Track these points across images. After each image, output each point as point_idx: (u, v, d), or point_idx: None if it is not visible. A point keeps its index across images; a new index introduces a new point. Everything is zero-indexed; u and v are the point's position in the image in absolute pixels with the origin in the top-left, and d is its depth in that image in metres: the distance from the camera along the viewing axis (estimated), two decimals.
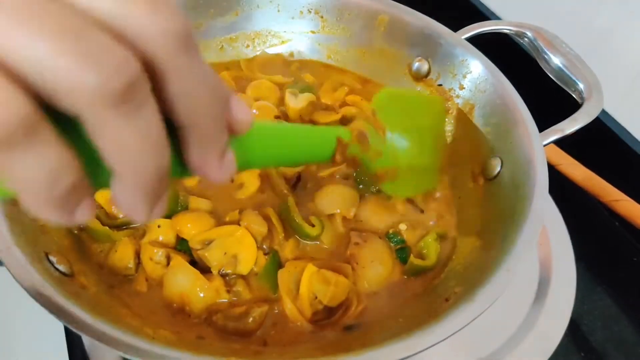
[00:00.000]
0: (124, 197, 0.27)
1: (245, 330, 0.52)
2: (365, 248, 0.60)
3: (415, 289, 0.59)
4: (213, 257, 0.55)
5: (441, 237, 0.63)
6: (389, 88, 0.67)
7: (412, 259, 0.59)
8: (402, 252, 0.61)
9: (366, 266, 0.58)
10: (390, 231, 0.63)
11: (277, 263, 0.57)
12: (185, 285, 0.53)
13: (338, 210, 0.63)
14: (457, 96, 0.72)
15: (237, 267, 0.55)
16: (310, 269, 0.55)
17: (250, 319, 0.52)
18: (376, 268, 0.59)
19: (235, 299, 0.55)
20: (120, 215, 0.59)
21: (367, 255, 0.59)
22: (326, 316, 0.55)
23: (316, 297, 0.54)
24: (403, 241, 0.62)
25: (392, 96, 0.60)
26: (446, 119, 0.72)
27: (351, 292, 0.56)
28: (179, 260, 0.55)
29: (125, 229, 0.58)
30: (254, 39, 0.81)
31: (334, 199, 0.64)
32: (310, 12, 0.80)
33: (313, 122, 0.72)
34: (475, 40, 0.73)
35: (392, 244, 0.62)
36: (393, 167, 0.57)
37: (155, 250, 0.56)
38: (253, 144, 0.37)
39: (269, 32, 0.81)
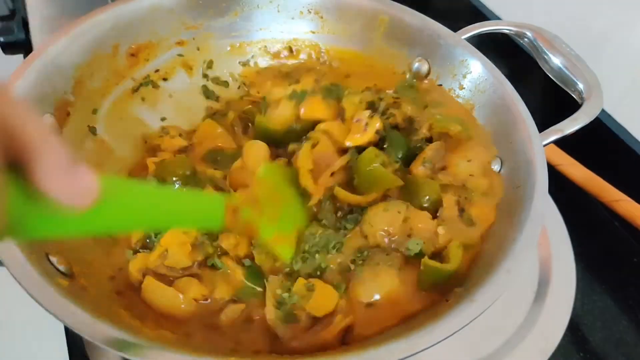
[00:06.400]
0: None
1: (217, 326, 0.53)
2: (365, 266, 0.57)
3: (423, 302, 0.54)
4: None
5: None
6: (271, 163, 0.65)
7: (428, 261, 0.54)
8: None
9: (365, 282, 0.56)
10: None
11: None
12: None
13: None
14: (457, 96, 0.72)
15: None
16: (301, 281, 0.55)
17: (224, 316, 0.54)
18: (375, 282, 0.56)
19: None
20: None
21: (366, 273, 0.56)
22: (309, 326, 0.54)
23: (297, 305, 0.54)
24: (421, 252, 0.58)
25: (274, 168, 0.62)
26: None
27: (339, 304, 0.54)
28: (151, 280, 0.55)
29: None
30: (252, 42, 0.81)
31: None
32: (310, 12, 0.80)
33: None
34: (475, 40, 0.73)
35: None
36: (288, 232, 0.57)
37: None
38: (112, 207, 0.37)
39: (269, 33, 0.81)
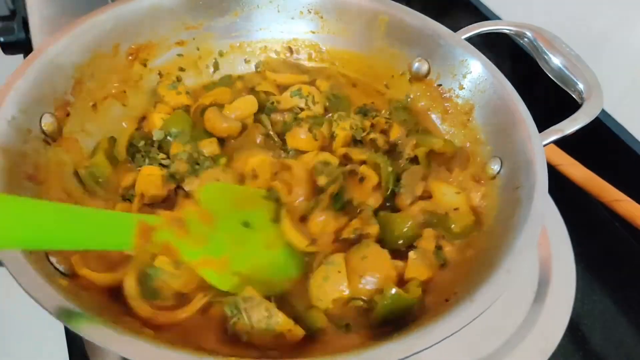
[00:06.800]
0: None
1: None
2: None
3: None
4: None
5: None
6: (221, 183, 0.63)
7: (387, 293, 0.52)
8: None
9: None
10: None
11: None
12: None
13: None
14: (457, 96, 0.72)
15: None
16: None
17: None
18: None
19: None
20: None
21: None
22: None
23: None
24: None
25: (222, 189, 0.61)
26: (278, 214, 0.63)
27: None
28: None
29: None
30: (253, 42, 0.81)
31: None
32: (310, 12, 0.80)
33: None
34: (475, 40, 0.73)
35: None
36: (223, 257, 0.54)
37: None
38: None
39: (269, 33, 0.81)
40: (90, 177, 0.63)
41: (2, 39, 0.91)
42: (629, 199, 0.77)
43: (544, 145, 0.60)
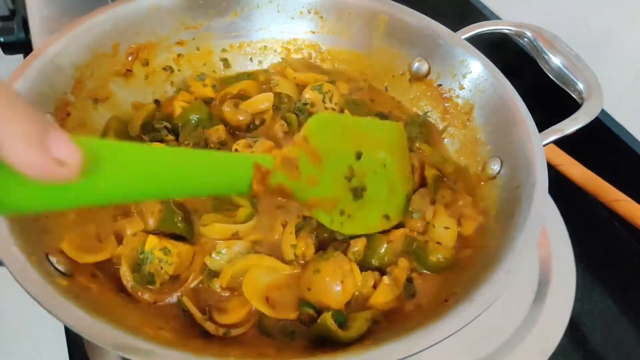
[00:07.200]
0: None
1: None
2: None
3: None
4: None
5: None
6: (328, 114, 0.62)
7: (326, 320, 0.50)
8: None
9: None
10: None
11: None
12: None
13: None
14: (457, 96, 0.72)
15: None
16: None
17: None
18: None
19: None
20: None
21: None
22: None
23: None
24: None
25: (331, 121, 0.57)
26: (404, 143, 0.65)
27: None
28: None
29: None
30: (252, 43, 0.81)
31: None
32: (310, 12, 0.80)
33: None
34: (475, 40, 0.73)
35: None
36: (332, 196, 0.54)
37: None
38: (113, 172, 0.34)
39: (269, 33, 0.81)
40: None
41: (2, 39, 0.91)
42: (629, 199, 0.77)
43: (544, 145, 0.60)
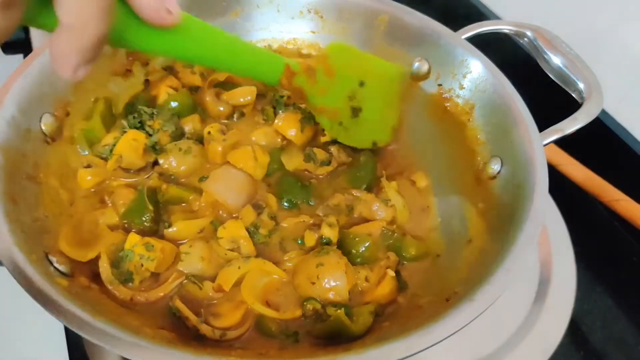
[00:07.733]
0: (60, 47, 0.35)
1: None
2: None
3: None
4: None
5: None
6: (346, 44, 0.72)
7: (340, 314, 0.52)
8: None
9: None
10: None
11: None
12: None
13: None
14: (457, 96, 0.72)
15: None
16: None
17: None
18: None
19: None
20: None
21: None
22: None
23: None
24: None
25: (348, 50, 0.68)
26: (401, 85, 0.73)
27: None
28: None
29: None
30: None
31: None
32: (310, 12, 0.80)
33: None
34: (475, 40, 0.72)
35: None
36: (335, 108, 0.66)
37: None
38: (192, 37, 0.48)
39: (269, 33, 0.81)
40: (85, 140, 0.64)
41: None
42: (629, 198, 0.78)
43: (544, 145, 0.60)
